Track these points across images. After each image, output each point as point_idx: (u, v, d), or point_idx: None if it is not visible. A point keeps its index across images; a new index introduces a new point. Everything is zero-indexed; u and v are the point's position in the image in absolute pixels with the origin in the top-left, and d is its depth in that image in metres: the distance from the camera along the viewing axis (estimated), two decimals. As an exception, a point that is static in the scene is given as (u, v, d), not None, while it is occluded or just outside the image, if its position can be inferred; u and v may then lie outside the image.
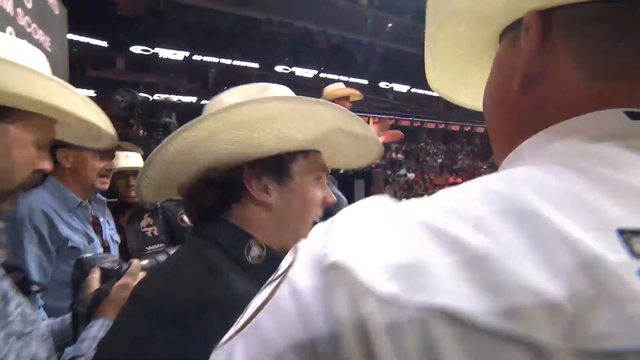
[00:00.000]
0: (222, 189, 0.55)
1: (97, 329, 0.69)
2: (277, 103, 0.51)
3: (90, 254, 0.80)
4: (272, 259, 0.53)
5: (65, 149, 1.13)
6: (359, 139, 0.62)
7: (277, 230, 0.56)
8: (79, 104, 0.62)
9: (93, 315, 0.72)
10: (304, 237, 0.53)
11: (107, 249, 1.21)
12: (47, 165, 0.63)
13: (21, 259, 0.99)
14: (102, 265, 0.77)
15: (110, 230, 1.29)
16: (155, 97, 13.73)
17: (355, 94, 2.34)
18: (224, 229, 0.54)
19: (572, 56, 0.23)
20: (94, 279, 0.75)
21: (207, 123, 0.50)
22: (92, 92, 13.53)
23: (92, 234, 1.16)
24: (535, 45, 0.24)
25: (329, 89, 2.31)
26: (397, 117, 17.48)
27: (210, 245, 0.53)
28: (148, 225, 1.38)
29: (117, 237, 1.32)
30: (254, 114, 0.50)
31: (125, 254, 1.34)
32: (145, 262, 0.80)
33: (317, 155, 0.61)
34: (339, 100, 2.19)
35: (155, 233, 1.36)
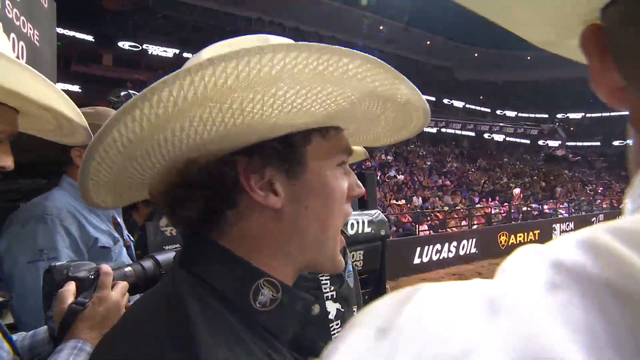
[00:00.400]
0: (208, 191, 0.37)
1: (66, 355, 0.58)
2: (280, 56, 0.31)
3: (64, 262, 0.69)
4: (289, 303, 0.38)
5: (80, 148, 1.06)
6: (399, 105, 0.43)
7: (293, 246, 0.39)
8: (42, 90, 0.53)
9: (65, 336, 0.61)
10: (330, 255, 0.43)
11: (128, 248, 1.17)
12: (7, 162, 0.55)
13: (56, 261, 0.94)
14: (77, 274, 0.66)
15: (125, 230, 1.25)
16: None
17: None
18: (218, 263, 0.37)
19: None
20: (68, 292, 0.63)
21: (168, 94, 0.31)
22: (77, 88, 13.23)
23: (115, 233, 1.11)
24: None
25: None
26: None
27: (196, 286, 0.35)
28: (167, 225, 1.35)
29: (131, 237, 1.28)
30: (242, 74, 0.31)
31: (141, 251, 1.31)
32: (128, 269, 0.74)
33: (339, 132, 0.42)
34: None
35: (174, 233, 1.33)
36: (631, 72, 0.22)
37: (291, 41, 0.38)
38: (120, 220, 1.23)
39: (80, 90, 13.13)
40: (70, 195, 1.05)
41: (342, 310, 0.86)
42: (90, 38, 14.47)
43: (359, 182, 0.45)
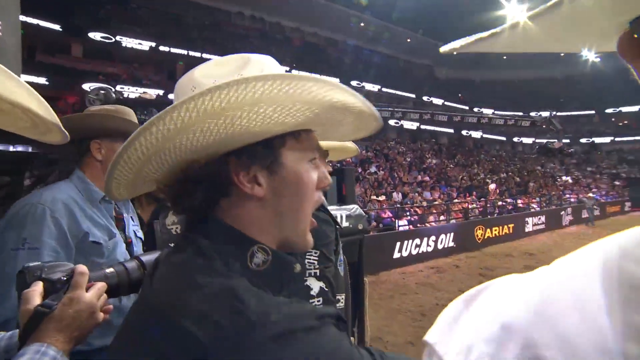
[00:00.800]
0: (207, 185, 0.48)
1: (27, 359, 0.55)
2: (260, 85, 0.42)
3: (37, 263, 0.66)
4: (277, 263, 0.48)
5: (99, 141, 1.08)
6: (354, 113, 0.54)
7: (274, 226, 0.50)
8: (6, 84, 0.50)
9: (29, 339, 0.58)
10: (302, 235, 0.52)
11: (129, 244, 1.15)
12: None
13: (38, 254, 0.90)
14: (50, 276, 0.63)
15: (134, 226, 1.23)
16: (136, 94, 12.86)
17: None
18: (221, 234, 0.47)
19: None
20: (34, 292, 0.61)
21: (178, 114, 0.42)
22: (43, 80, 12.49)
23: (115, 229, 1.10)
24: None
25: None
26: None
27: (206, 253, 0.45)
28: (173, 223, 1.33)
29: (140, 234, 1.26)
30: (233, 100, 0.42)
31: (148, 248, 1.29)
32: (110, 270, 0.70)
33: (310, 134, 0.53)
34: None
35: (179, 231, 1.32)
36: None
37: (270, 59, 0.53)
38: (126, 215, 1.20)
39: (47, 83, 12.43)
40: (75, 188, 1.06)
41: (326, 289, 0.91)
42: (57, 27, 13.67)
43: (327, 175, 0.55)
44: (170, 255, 0.50)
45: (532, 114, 27.04)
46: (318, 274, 0.90)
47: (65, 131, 0.62)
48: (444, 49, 0.38)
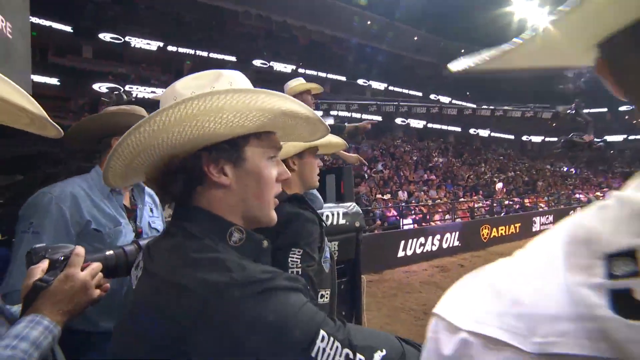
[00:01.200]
0: (185, 175, 0.59)
1: (22, 328, 0.60)
2: (222, 97, 0.54)
3: (43, 244, 0.74)
4: (250, 240, 0.60)
5: (118, 137, 1.18)
6: (303, 119, 0.67)
7: (240, 208, 0.61)
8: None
9: (26, 310, 0.65)
10: (265, 214, 0.65)
11: (139, 234, 1.23)
12: None
13: (39, 237, 1.01)
14: (53, 256, 0.71)
15: (151, 218, 1.30)
16: (147, 95, 13.01)
17: (316, 87, 2.39)
18: (205, 221, 0.58)
19: None
20: (38, 269, 0.69)
21: (160, 118, 0.54)
22: (55, 80, 12.74)
23: (123, 219, 1.19)
24: None
25: (290, 84, 2.37)
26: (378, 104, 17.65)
27: (196, 235, 0.56)
28: (170, 216, 1.40)
29: (159, 225, 1.32)
30: (202, 108, 0.54)
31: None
32: (109, 252, 0.77)
33: (270, 135, 0.65)
34: (300, 94, 2.25)
35: None
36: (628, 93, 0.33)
37: (239, 75, 0.64)
38: (140, 206, 1.29)
39: (59, 83, 12.68)
40: (88, 181, 1.18)
41: (307, 287, 0.93)
42: (68, 29, 13.90)
43: (286, 170, 0.66)
44: (161, 240, 0.61)
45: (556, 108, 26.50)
46: (300, 272, 0.93)
47: (57, 125, 0.68)
48: (454, 68, 0.40)
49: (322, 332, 0.48)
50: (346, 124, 2.64)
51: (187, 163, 0.59)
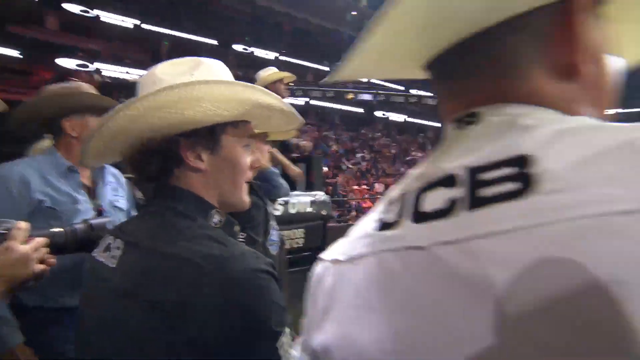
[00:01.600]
0: (161, 156, 0.61)
1: None
2: (202, 87, 0.57)
3: None
4: (227, 222, 0.64)
5: (70, 119, 1.17)
6: (278, 111, 0.70)
7: (215, 192, 0.64)
8: None
9: None
10: (239, 198, 0.70)
11: (100, 213, 1.22)
12: None
13: None
14: None
15: (114, 197, 1.30)
16: (120, 75, 12.24)
17: (288, 76, 2.41)
18: (191, 201, 0.62)
19: None
20: None
21: (141, 104, 0.57)
22: (16, 53, 11.85)
23: (81, 196, 1.19)
24: None
25: (262, 74, 2.37)
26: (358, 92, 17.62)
27: (187, 215, 0.60)
28: (141, 198, 1.43)
29: (123, 205, 1.32)
30: (182, 96, 0.57)
31: None
32: (58, 229, 0.79)
33: (246, 125, 0.67)
34: (273, 84, 2.26)
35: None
36: None
37: (218, 64, 0.66)
38: (101, 185, 1.28)
39: (21, 56, 11.82)
40: (41, 161, 1.17)
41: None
42: (30, -4, 12.80)
43: (259, 159, 0.68)
44: (145, 218, 0.65)
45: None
46: None
47: (1, 101, 0.71)
48: (328, 80, 0.39)
49: (287, 329, 0.53)
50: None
51: (165, 146, 0.60)
